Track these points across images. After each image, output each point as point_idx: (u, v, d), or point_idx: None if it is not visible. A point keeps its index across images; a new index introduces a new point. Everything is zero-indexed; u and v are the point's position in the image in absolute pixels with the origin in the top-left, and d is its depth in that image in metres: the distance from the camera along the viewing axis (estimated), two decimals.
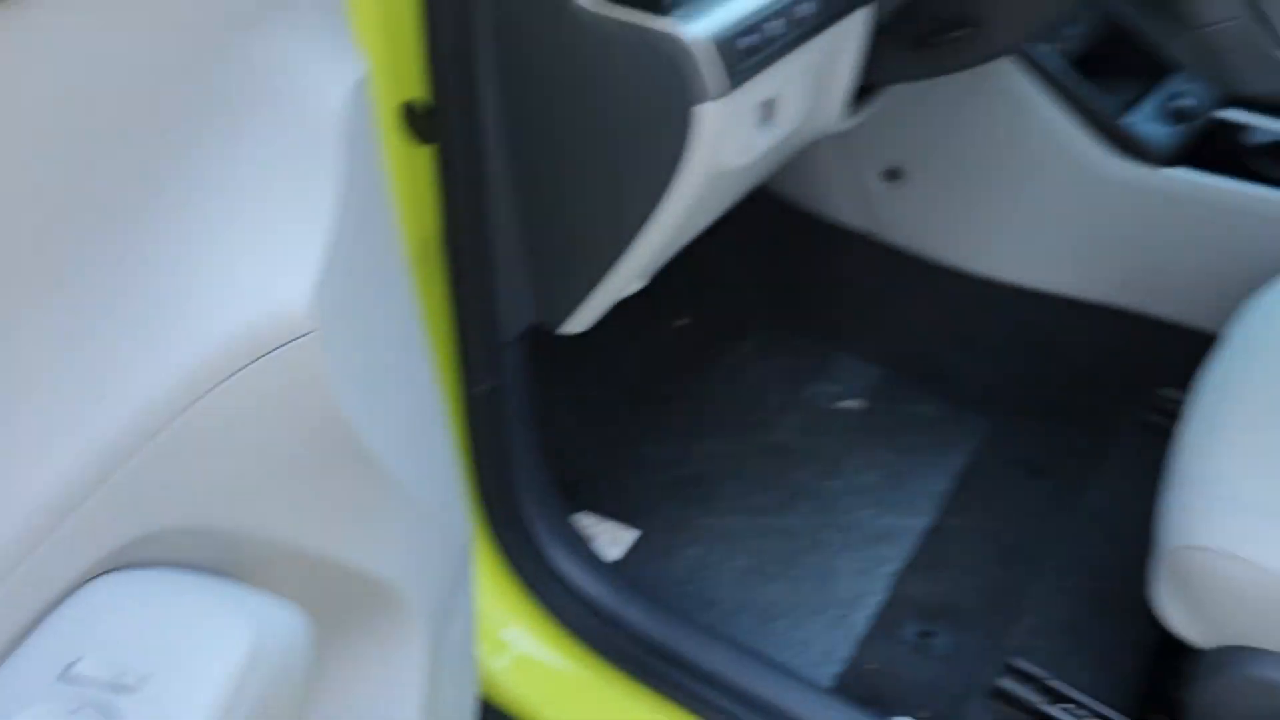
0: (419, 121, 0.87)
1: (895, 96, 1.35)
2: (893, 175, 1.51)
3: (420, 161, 0.89)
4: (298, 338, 0.47)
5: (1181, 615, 0.96)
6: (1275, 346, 1.08)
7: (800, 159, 1.40)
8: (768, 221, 1.64)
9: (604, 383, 1.54)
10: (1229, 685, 0.92)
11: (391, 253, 0.61)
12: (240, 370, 0.46)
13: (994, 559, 1.33)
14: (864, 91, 1.20)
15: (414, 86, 0.86)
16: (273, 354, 0.46)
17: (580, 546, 1.09)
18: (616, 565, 1.29)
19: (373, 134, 0.57)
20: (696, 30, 0.82)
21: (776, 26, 0.87)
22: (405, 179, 0.90)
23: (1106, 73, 1.43)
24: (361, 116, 0.54)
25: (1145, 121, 1.41)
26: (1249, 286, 1.24)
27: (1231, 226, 1.35)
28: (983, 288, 1.54)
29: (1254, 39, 1.43)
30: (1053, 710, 1.13)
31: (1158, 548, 0.97)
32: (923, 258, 1.57)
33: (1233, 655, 0.92)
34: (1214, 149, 1.40)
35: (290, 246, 0.48)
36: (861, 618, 1.26)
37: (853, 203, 1.58)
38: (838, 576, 1.30)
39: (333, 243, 0.49)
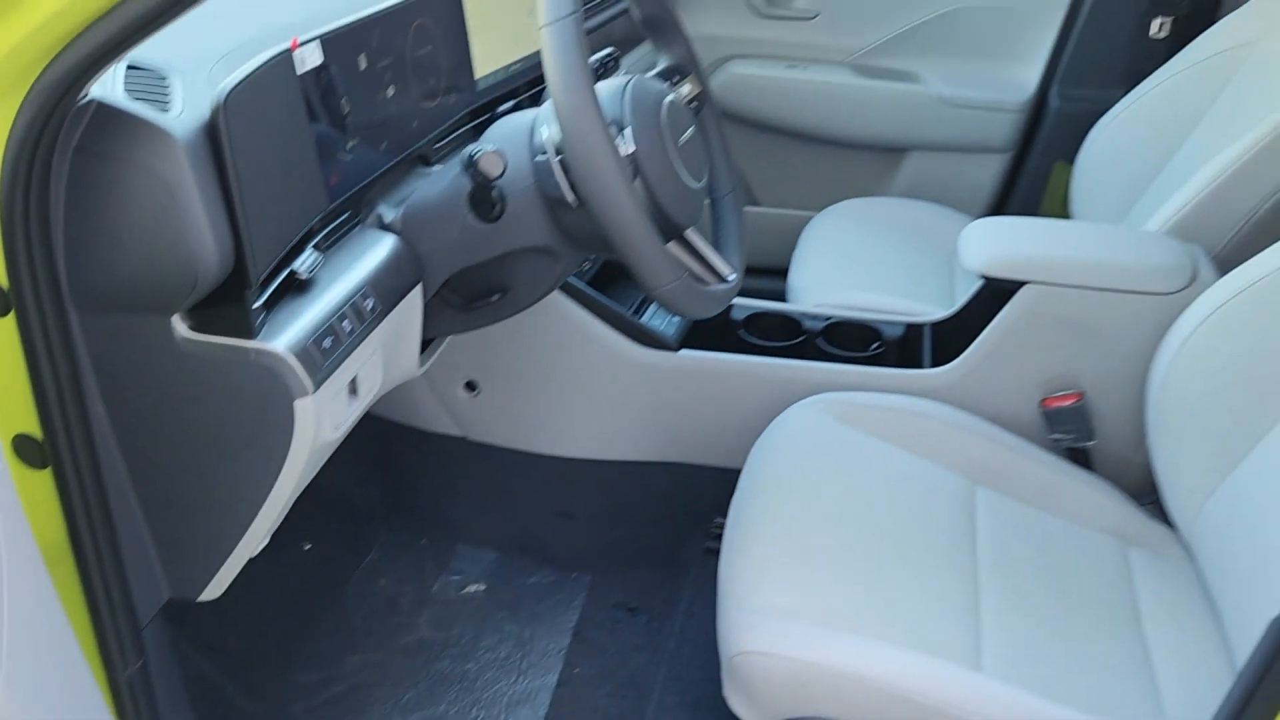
0: (32, 450, 0.99)
1: None
2: (471, 387, 1.78)
3: (41, 480, 1.01)
4: None
5: (745, 708, 1.26)
6: (778, 474, 1.44)
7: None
8: (375, 441, 1.85)
9: (246, 626, 1.65)
10: None
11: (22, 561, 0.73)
12: None
13: (613, 693, 1.59)
14: (432, 339, 1.46)
15: (25, 419, 0.98)
16: None
17: None
18: None
19: None
20: (284, 343, 1.03)
21: (347, 325, 1.10)
22: (28, 496, 1.01)
23: (619, 283, 1.80)
24: None
25: (655, 316, 1.79)
26: (757, 430, 1.62)
27: (734, 387, 1.74)
28: (567, 465, 1.83)
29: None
30: None
31: (721, 657, 1.27)
32: (513, 450, 1.84)
33: None
34: (714, 327, 1.81)
35: None
36: None
37: (444, 413, 1.83)
38: None
39: None
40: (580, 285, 1.70)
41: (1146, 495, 1.57)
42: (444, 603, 1.74)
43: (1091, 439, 1.61)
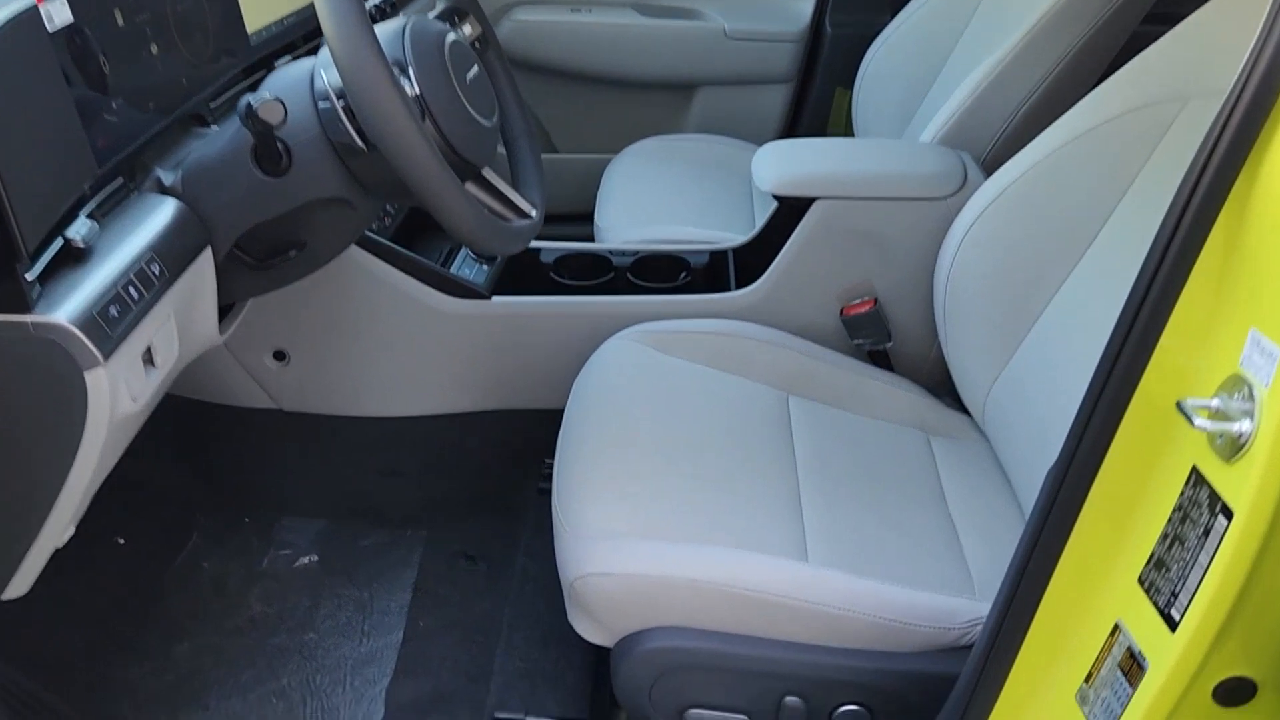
0: None
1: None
2: (280, 356, 1.73)
3: None
4: None
5: (591, 629, 1.29)
6: (600, 406, 1.46)
7: (198, 361, 1.57)
8: (185, 423, 1.77)
9: (60, 628, 1.56)
10: (633, 664, 1.26)
11: None
12: None
13: (460, 641, 1.59)
14: (232, 304, 1.41)
15: None
16: None
17: None
18: None
19: None
20: (65, 313, 0.98)
21: (133, 292, 1.05)
22: None
23: (424, 236, 1.78)
24: None
25: (464, 265, 1.78)
26: (576, 368, 1.64)
27: (549, 328, 1.75)
28: (389, 425, 1.81)
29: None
30: None
31: (563, 586, 1.29)
32: (331, 416, 1.80)
33: (628, 642, 1.26)
34: (524, 271, 1.81)
35: None
36: None
37: (254, 386, 1.77)
38: (338, 712, 1.48)
39: None
40: (383, 241, 1.67)
41: (944, 388, 1.68)
42: (274, 577, 1.70)
43: (889, 340, 1.71)
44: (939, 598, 1.25)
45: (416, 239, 1.77)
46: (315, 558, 1.74)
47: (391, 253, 1.68)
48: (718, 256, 1.83)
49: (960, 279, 1.52)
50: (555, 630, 1.56)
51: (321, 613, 1.64)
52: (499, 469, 1.85)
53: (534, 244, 1.86)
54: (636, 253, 1.83)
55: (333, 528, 1.79)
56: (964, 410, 1.64)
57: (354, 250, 1.64)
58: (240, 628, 1.60)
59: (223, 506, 1.80)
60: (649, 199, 2.11)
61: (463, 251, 1.81)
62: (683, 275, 1.81)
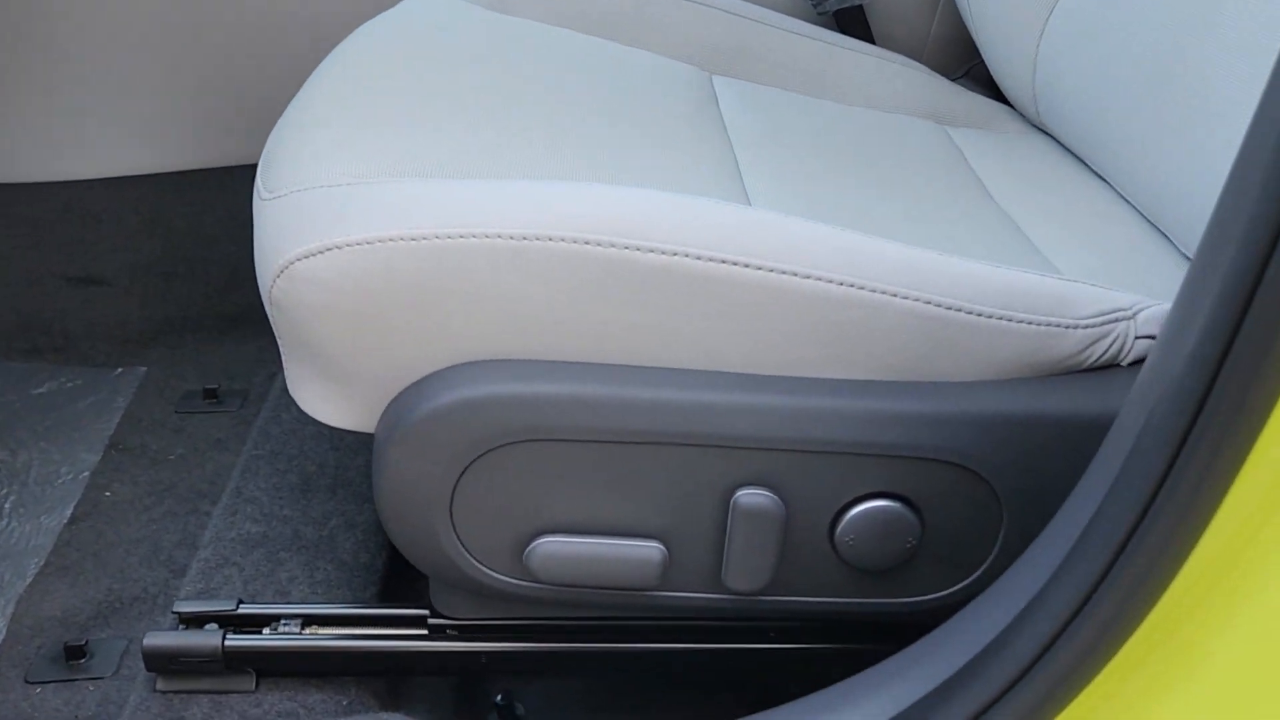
0: None
1: None
2: None
3: None
4: None
5: (320, 391, 0.63)
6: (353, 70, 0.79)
7: None
8: None
9: None
10: (417, 453, 0.59)
11: None
12: None
13: (167, 516, 0.92)
14: None
15: None
16: None
17: None
18: None
19: None
20: None
21: None
22: None
23: None
24: None
25: None
26: None
27: None
28: (75, 193, 1.13)
29: None
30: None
31: (264, 299, 0.63)
32: None
33: (403, 409, 0.60)
34: None
35: None
36: None
37: None
38: None
39: None
40: None
41: (952, 67, 1.06)
42: None
43: None
44: (1032, 277, 0.62)
45: None
46: None
47: None
48: None
49: None
50: (323, 480, 0.89)
51: None
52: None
53: None
54: None
55: None
56: (993, 96, 1.03)
57: None
58: None
59: None
60: None
61: None
62: None
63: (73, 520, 0.93)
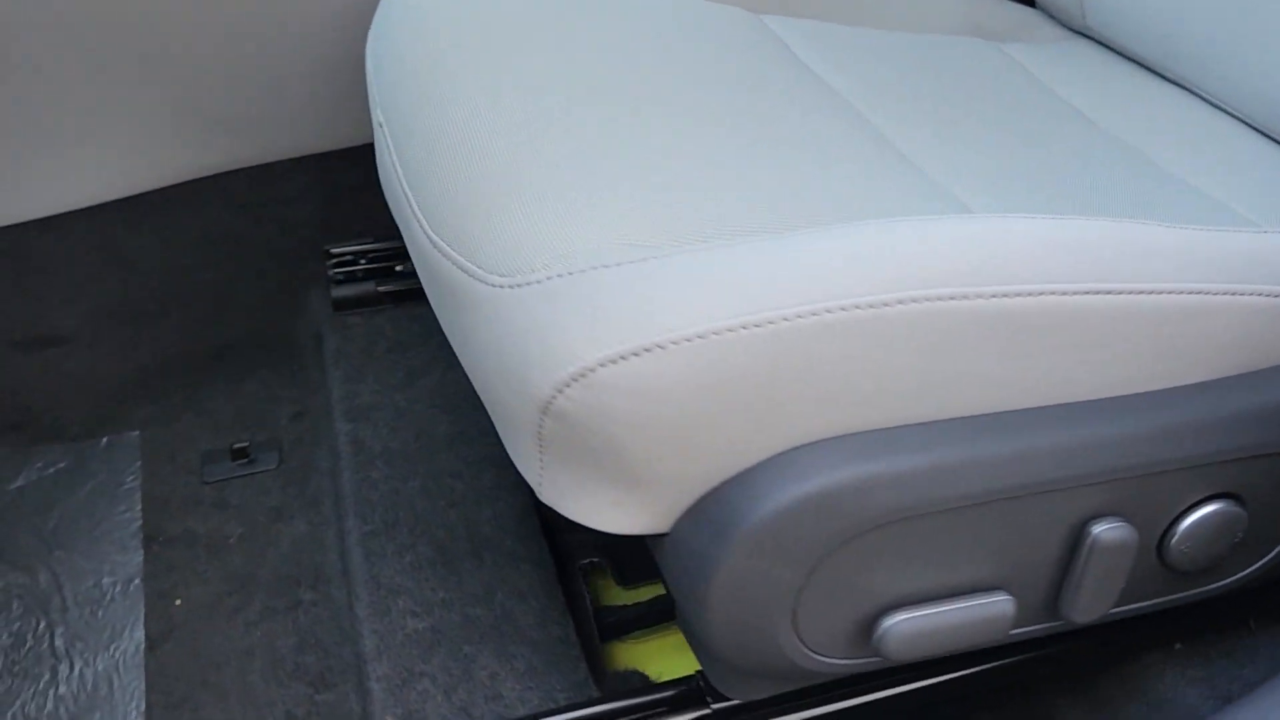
0: None
1: None
2: None
3: None
4: None
5: (612, 497, 0.53)
6: (422, 67, 0.67)
7: None
8: None
9: None
10: (743, 547, 0.51)
11: None
12: None
13: (263, 619, 0.79)
14: None
15: None
16: None
17: None
18: None
19: None
20: None
21: None
22: None
23: None
24: None
25: None
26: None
27: None
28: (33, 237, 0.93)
29: None
30: None
31: (511, 423, 0.53)
32: None
33: (717, 502, 0.52)
34: None
35: None
36: None
37: None
38: None
39: None
40: None
41: None
42: None
43: None
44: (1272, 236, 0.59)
45: None
46: None
47: None
48: None
49: None
50: (470, 541, 0.78)
51: None
52: (248, 288, 1.01)
53: None
54: None
55: None
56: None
57: None
58: None
59: None
60: None
61: None
62: None
63: (152, 645, 0.78)
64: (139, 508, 0.88)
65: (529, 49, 0.68)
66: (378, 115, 0.71)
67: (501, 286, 0.52)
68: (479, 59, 0.67)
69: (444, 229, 0.57)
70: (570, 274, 0.50)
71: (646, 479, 0.51)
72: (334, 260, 1.01)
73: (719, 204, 0.55)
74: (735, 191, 0.56)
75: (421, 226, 0.60)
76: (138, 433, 0.94)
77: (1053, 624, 0.59)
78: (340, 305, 0.99)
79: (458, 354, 0.59)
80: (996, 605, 0.55)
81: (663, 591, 0.81)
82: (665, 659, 0.78)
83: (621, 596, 0.83)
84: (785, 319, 0.47)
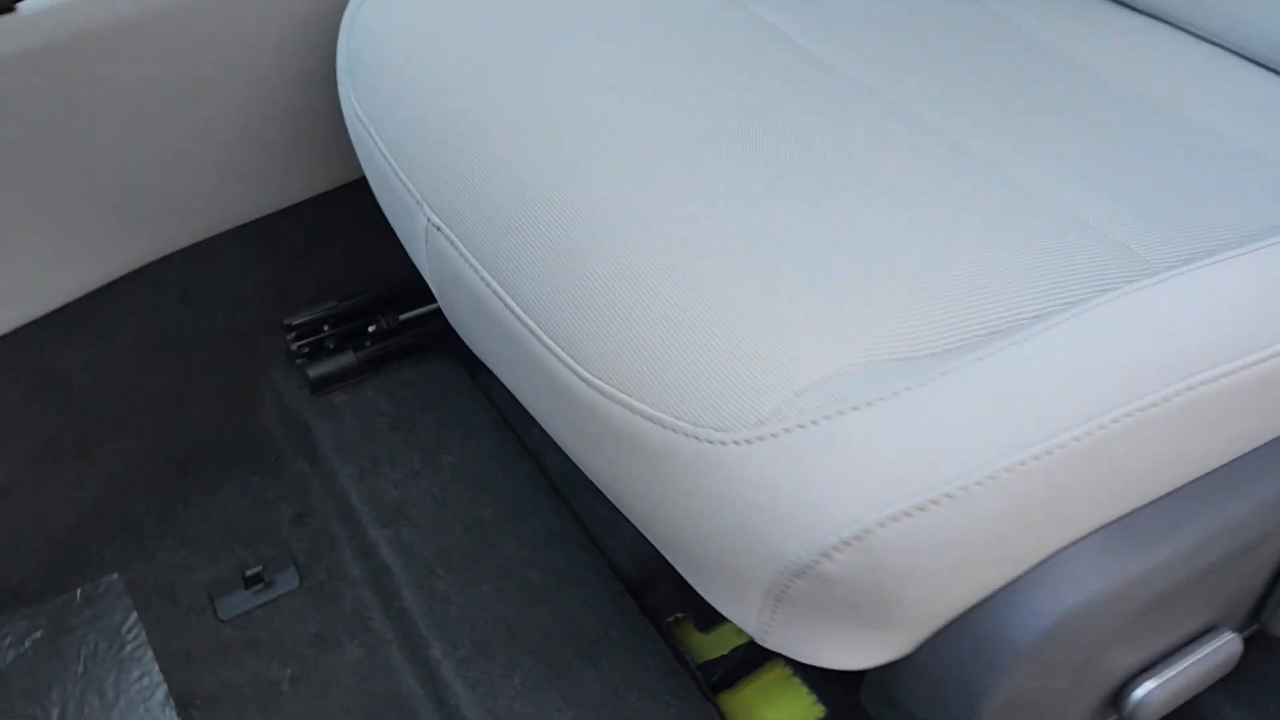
0: None
1: None
2: None
3: None
4: None
5: (863, 638, 0.49)
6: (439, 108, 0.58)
7: None
8: None
9: None
10: (998, 656, 0.49)
11: None
12: None
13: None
14: None
15: None
16: None
17: None
18: None
19: None
20: None
21: None
22: None
23: None
24: None
25: None
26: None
27: None
28: None
29: None
30: None
31: (752, 587, 0.48)
32: None
33: (975, 623, 0.48)
34: None
35: None
36: None
37: None
38: None
39: None
40: None
41: None
42: None
43: None
44: None
45: None
46: None
47: None
48: None
49: None
50: (540, 646, 0.72)
51: None
52: (201, 385, 0.88)
53: None
54: None
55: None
56: None
57: None
58: None
59: None
60: None
61: None
62: None
63: None
64: (155, 668, 0.77)
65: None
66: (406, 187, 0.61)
67: (721, 444, 0.45)
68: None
69: (594, 362, 0.50)
70: (814, 423, 0.44)
71: (907, 619, 0.47)
72: (294, 333, 0.89)
73: (936, 295, 0.49)
74: (936, 277, 0.51)
75: (548, 348, 0.52)
76: (116, 575, 0.82)
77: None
78: (319, 385, 0.88)
79: (621, 500, 0.52)
80: (1226, 645, 0.55)
81: (739, 632, 0.78)
82: (771, 705, 0.75)
83: (702, 643, 0.79)
84: (1075, 438, 0.44)
